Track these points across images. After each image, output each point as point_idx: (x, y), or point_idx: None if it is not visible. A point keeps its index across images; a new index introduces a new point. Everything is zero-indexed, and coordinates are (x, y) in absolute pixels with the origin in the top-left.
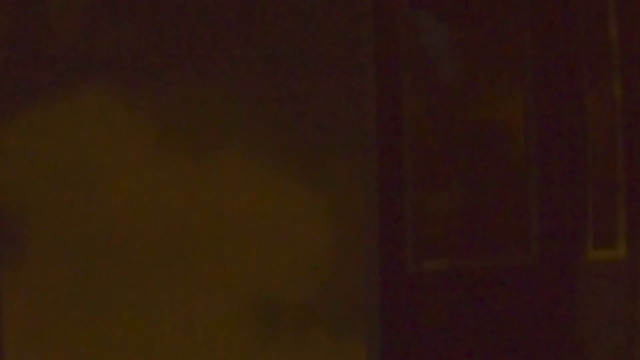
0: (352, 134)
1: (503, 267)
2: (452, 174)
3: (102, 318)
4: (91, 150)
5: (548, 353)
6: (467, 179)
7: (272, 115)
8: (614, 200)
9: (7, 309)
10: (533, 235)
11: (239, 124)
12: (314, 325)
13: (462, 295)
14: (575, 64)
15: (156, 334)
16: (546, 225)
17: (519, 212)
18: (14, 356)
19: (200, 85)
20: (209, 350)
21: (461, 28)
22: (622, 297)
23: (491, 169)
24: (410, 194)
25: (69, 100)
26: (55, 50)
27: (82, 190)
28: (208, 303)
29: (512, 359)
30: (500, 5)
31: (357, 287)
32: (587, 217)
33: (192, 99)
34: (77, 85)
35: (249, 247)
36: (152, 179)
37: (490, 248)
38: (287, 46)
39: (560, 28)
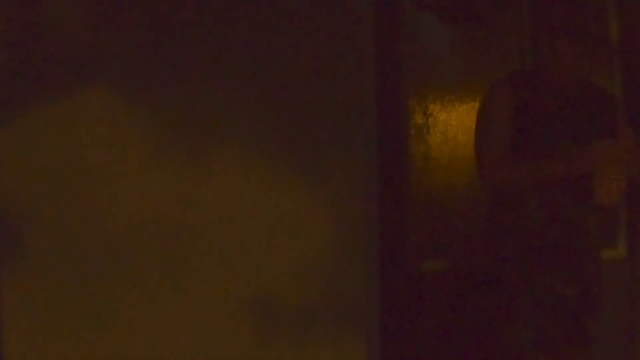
0: (352, 133)
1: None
2: (452, 174)
3: (102, 318)
4: (91, 150)
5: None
6: (467, 178)
7: (272, 115)
8: None
9: (7, 309)
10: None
11: (239, 125)
12: (314, 326)
13: (462, 295)
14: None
15: (156, 334)
16: None
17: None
18: (14, 356)
19: (200, 85)
20: (208, 350)
21: (461, 28)
22: (622, 297)
23: None
24: (410, 194)
25: (69, 100)
26: (55, 50)
27: (82, 190)
28: (208, 303)
29: (512, 359)
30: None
31: (357, 287)
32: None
33: (193, 99)
34: (77, 85)
35: (248, 247)
36: (152, 179)
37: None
38: (287, 46)
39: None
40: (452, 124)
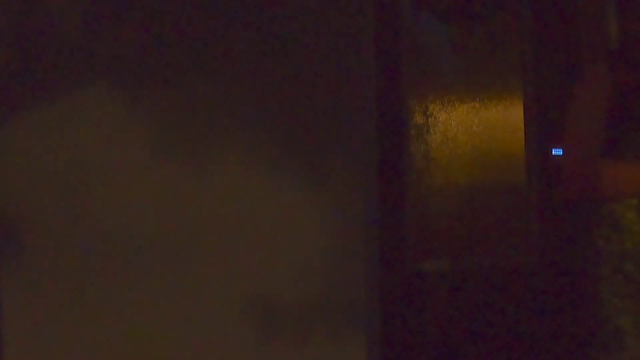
0: (352, 133)
1: (503, 267)
2: (452, 174)
3: (102, 318)
4: (91, 150)
5: (547, 353)
6: (467, 178)
7: (272, 115)
8: None
9: (7, 309)
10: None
11: (238, 124)
12: (314, 325)
13: (462, 295)
14: (576, 62)
15: (155, 334)
16: (546, 225)
17: (519, 212)
18: (14, 356)
19: (200, 85)
20: (208, 350)
21: (461, 28)
22: None
23: (491, 167)
24: (410, 194)
25: (69, 100)
26: (56, 50)
27: (82, 190)
28: (208, 303)
29: (513, 359)
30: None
31: (357, 287)
32: None
33: (192, 99)
34: (77, 85)
35: (248, 247)
36: (152, 179)
37: (490, 248)
38: (287, 46)
39: (560, 27)
40: (452, 124)
